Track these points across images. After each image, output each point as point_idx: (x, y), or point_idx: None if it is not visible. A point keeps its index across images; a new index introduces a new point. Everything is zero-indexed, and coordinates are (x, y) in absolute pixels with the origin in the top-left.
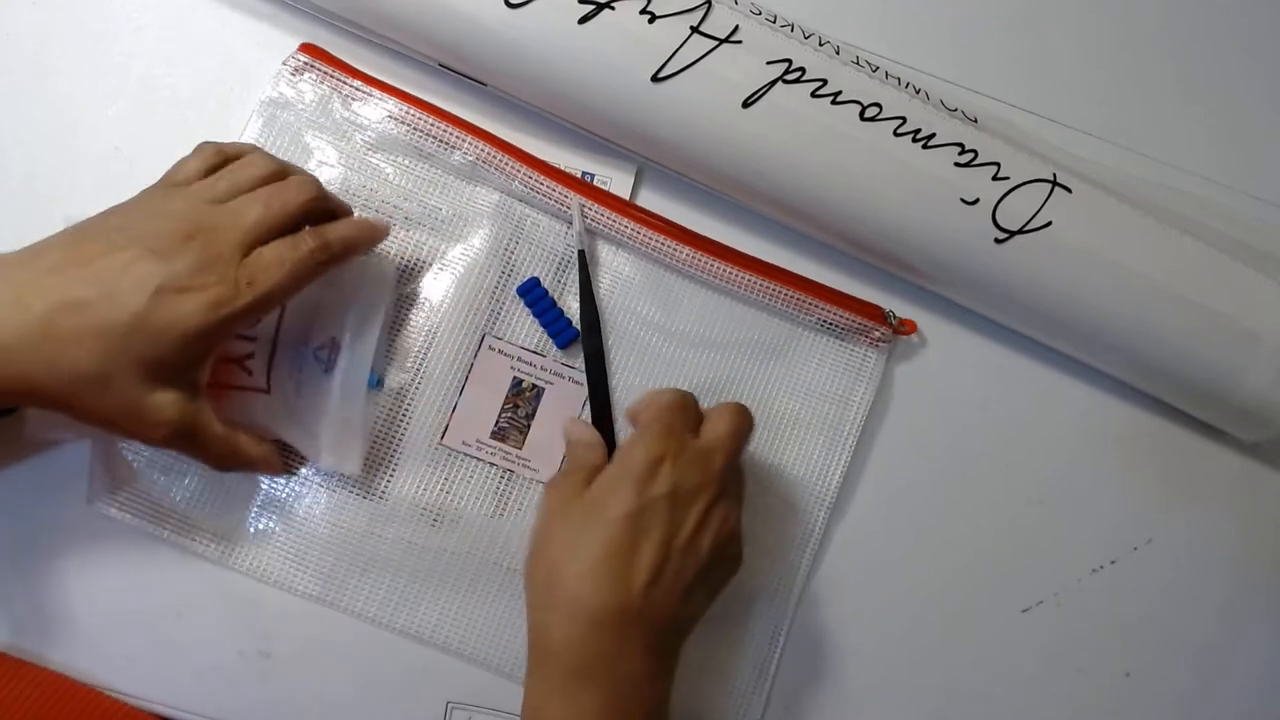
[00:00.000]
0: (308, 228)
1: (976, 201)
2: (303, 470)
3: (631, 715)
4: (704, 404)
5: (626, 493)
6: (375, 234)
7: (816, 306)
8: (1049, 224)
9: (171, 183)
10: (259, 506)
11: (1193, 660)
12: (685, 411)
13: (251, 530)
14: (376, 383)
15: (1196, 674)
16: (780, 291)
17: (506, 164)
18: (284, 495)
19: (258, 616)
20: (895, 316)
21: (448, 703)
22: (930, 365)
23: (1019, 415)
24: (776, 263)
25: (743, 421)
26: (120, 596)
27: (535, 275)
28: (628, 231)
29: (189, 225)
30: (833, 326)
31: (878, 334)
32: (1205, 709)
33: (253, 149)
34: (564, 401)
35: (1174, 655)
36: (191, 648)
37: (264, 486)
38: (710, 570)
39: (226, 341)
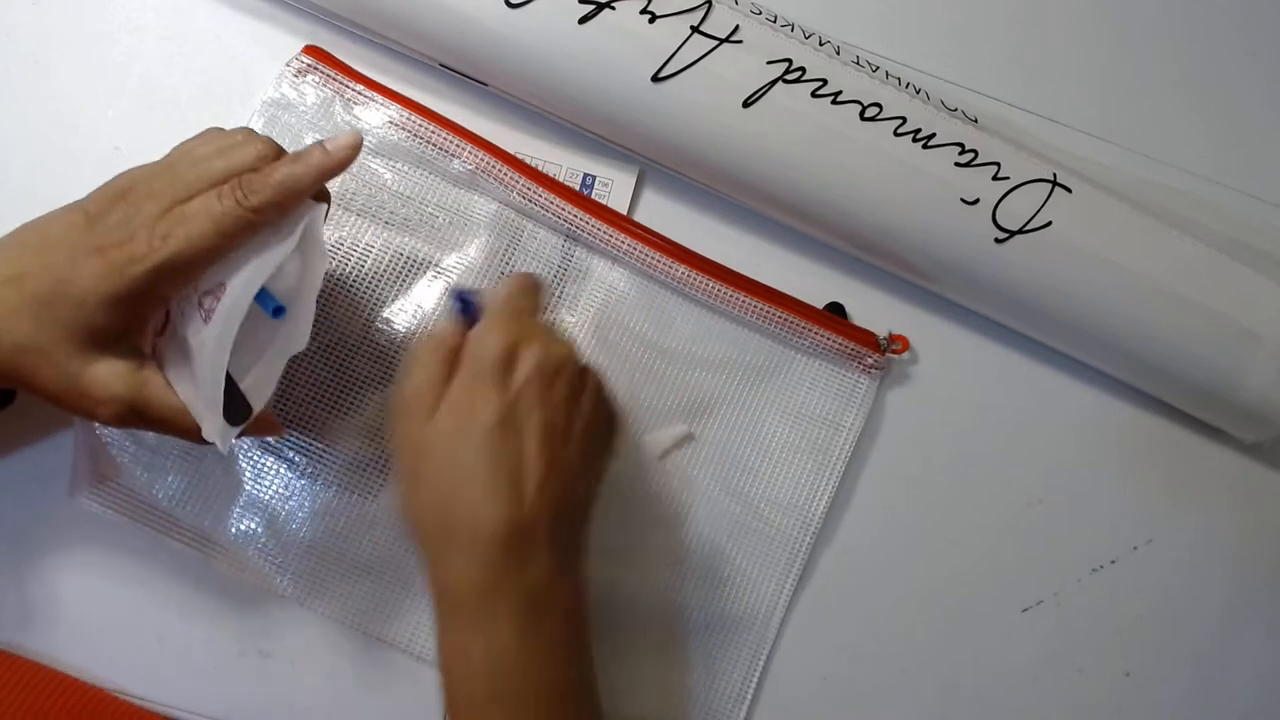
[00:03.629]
0: (240, 175)
1: (976, 201)
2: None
3: (547, 621)
4: (695, 426)
5: (488, 395)
6: (328, 162)
7: (810, 330)
8: (1049, 224)
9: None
10: (241, 507)
11: (1193, 660)
12: (532, 293)
13: (233, 531)
14: (274, 311)
15: (1196, 674)
16: (774, 314)
17: (505, 174)
18: (267, 497)
19: (258, 616)
20: (888, 341)
21: None
22: (929, 367)
23: (1019, 416)
24: (776, 263)
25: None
26: (120, 596)
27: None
28: (623, 247)
29: (127, 182)
30: (825, 351)
31: (870, 360)
32: (1205, 709)
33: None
34: None
35: (1174, 655)
36: (191, 648)
37: (247, 488)
38: (589, 450)
39: (159, 303)
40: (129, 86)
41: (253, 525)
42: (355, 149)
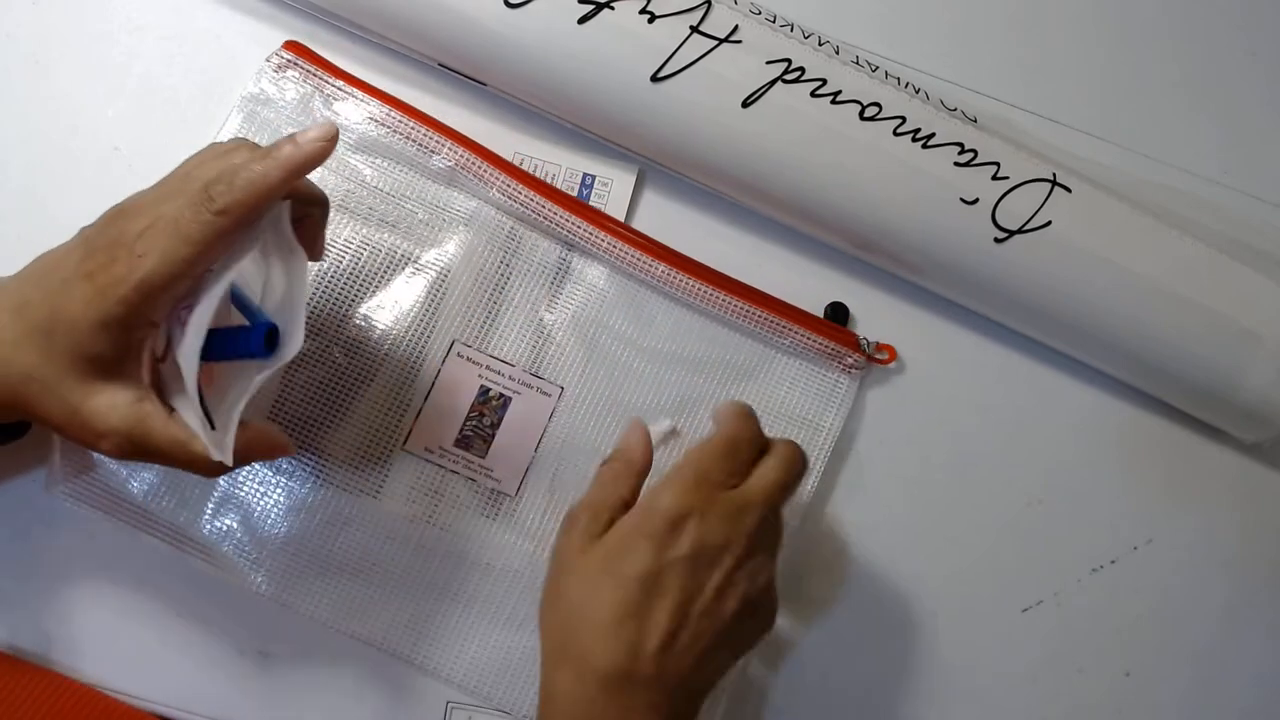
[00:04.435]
0: (205, 180)
1: (976, 201)
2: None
3: None
4: (677, 420)
5: (644, 551)
6: (298, 155)
7: (790, 330)
8: (1049, 224)
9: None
10: (216, 503)
11: (1193, 660)
12: (732, 456)
13: (208, 527)
14: (262, 344)
15: (1196, 674)
16: (754, 313)
17: (485, 171)
18: (242, 494)
19: (257, 616)
20: (871, 343)
21: (448, 703)
22: (929, 367)
23: (1019, 416)
24: (776, 263)
25: (795, 470)
26: (119, 596)
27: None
28: (603, 245)
29: (124, 203)
30: (806, 350)
31: (851, 360)
32: (1205, 709)
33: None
34: (532, 411)
35: (1174, 655)
36: (191, 648)
37: (222, 484)
38: (734, 632)
39: (148, 326)
40: (129, 86)
41: (228, 522)
42: (329, 141)
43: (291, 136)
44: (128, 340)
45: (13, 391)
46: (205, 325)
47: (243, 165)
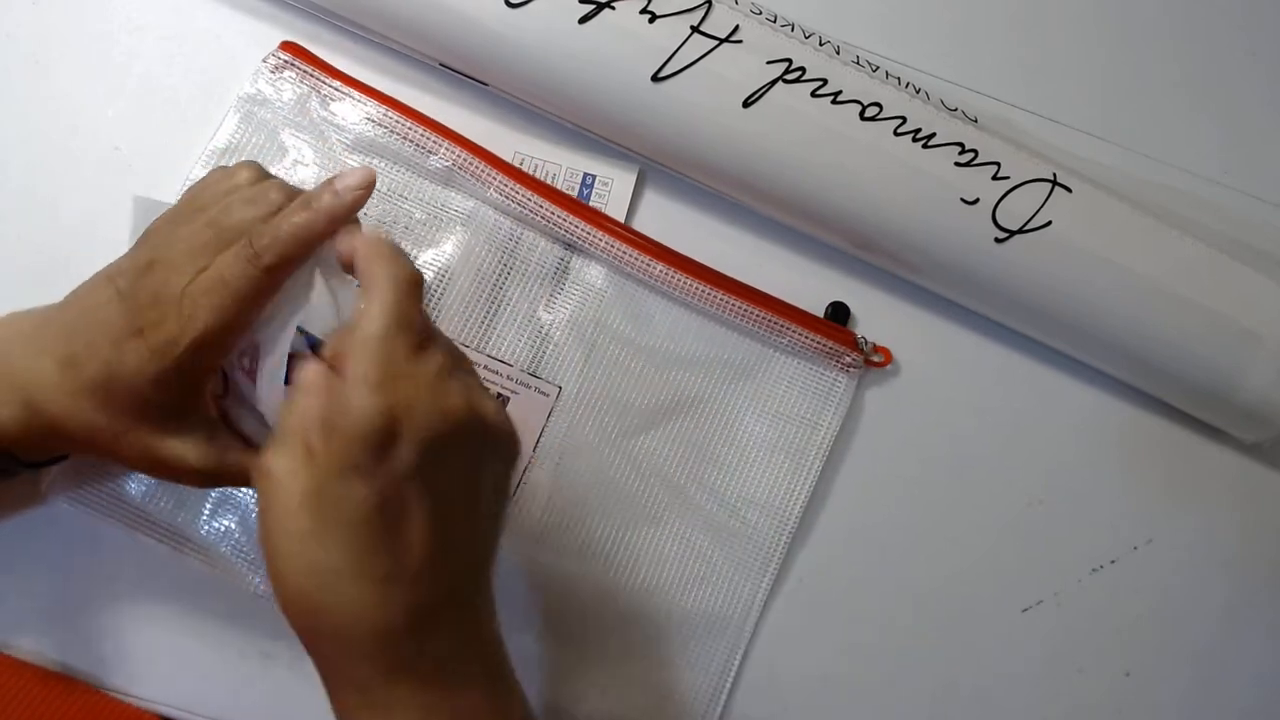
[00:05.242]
0: (243, 229)
1: (976, 201)
2: None
3: (459, 691)
4: (674, 424)
5: (357, 484)
6: (338, 205)
7: (787, 329)
8: (1049, 224)
9: (190, 203)
10: (214, 504)
11: (1193, 660)
12: (408, 313)
13: (205, 529)
14: None
15: (1196, 674)
16: (751, 312)
17: (483, 171)
18: (240, 495)
19: (258, 616)
20: (869, 343)
21: None
22: (929, 367)
23: (1019, 416)
24: (777, 263)
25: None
26: (120, 598)
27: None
28: (601, 244)
29: (151, 252)
30: (804, 349)
31: (849, 359)
32: (1205, 709)
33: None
34: (529, 411)
35: (1174, 655)
36: (192, 648)
37: None
38: (497, 499)
39: (208, 373)
40: (129, 86)
41: (226, 522)
42: (367, 188)
43: (330, 184)
44: (189, 387)
45: (85, 440)
46: (281, 375)
47: (283, 218)
